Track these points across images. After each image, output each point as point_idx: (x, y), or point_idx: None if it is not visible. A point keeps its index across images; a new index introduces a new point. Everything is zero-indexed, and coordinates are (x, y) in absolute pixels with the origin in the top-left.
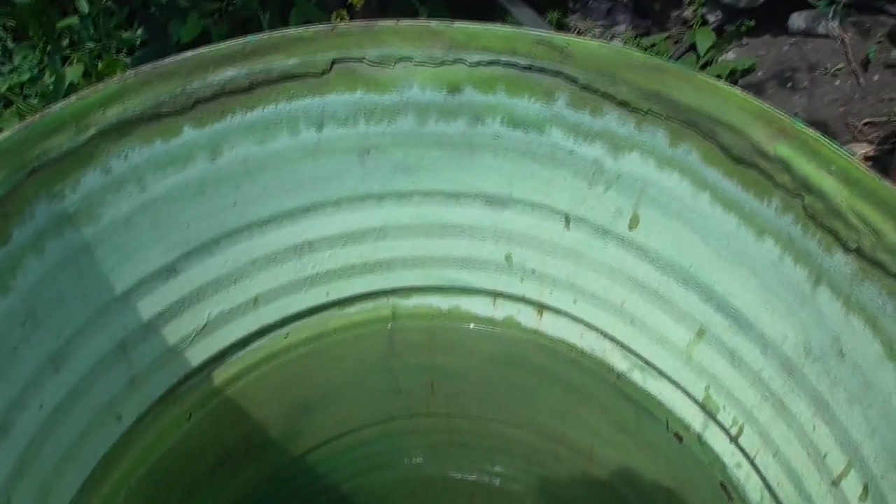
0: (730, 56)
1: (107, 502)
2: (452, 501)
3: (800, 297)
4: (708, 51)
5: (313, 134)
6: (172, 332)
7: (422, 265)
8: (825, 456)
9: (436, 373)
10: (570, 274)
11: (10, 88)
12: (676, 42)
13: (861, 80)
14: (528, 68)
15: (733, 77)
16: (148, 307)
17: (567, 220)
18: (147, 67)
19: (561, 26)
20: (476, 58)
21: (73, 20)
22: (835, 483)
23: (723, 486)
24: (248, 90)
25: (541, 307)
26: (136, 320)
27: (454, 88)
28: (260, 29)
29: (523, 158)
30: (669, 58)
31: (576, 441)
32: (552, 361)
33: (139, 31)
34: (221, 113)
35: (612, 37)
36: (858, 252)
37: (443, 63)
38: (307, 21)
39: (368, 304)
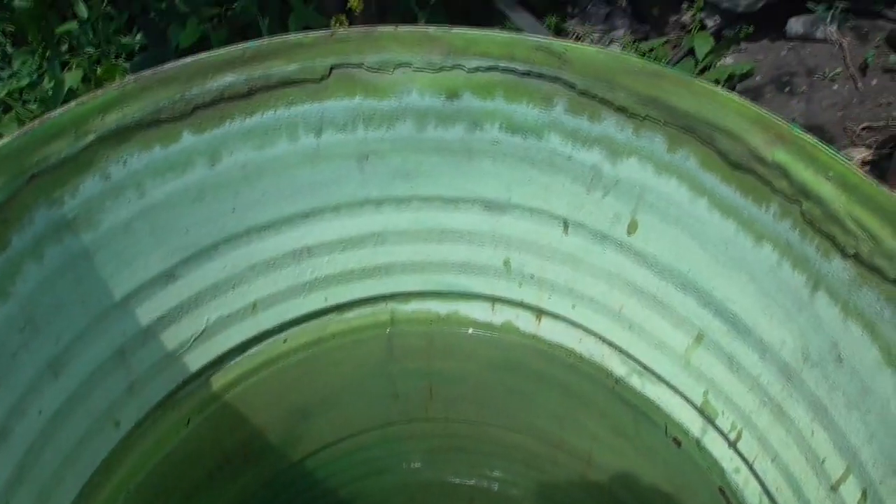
0: (728, 61)
1: None
2: None
3: (798, 302)
4: (706, 55)
5: (312, 140)
6: (171, 338)
7: (420, 270)
8: (824, 461)
9: (434, 378)
10: (569, 279)
11: (9, 93)
12: (675, 47)
13: (859, 84)
14: (527, 74)
15: (731, 82)
16: (147, 313)
17: (565, 225)
18: (146, 73)
19: (559, 31)
20: (474, 63)
21: (73, 25)
22: (833, 488)
23: (721, 491)
24: (247, 96)
25: (539, 312)
26: (134, 326)
27: (453, 94)
28: (259, 34)
29: (522, 164)
30: (668, 62)
31: (574, 446)
32: (551, 366)
33: (138, 37)
34: (220, 119)
35: (611, 41)
36: (856, 258)
37: (441, 69)
38: (306, 26)
39: (367, 310)
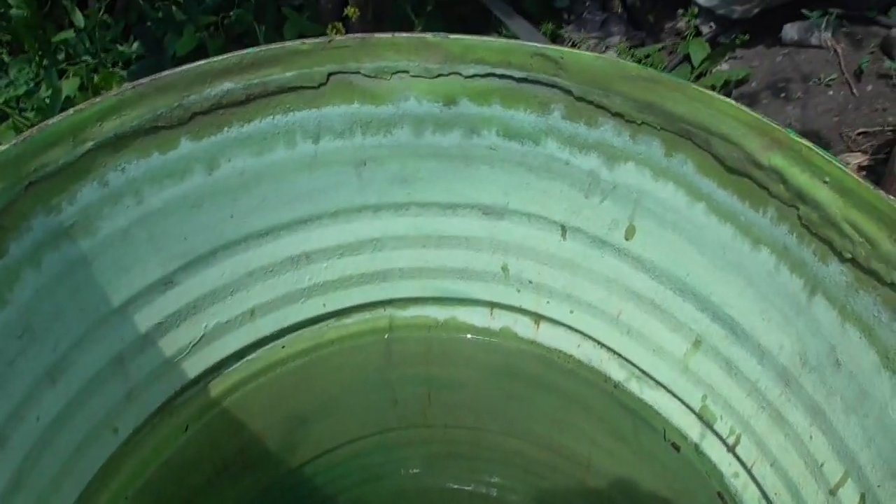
0: (724, 67)
1: None
2: None
3: (796, 306)
4: (702, 62)
5: (310, 146)
6: (169, 344)
7: (419, 276)
8: (822, 465)
9: (433, 383)
10: (567, 284)
11: (6, 102)
12: (671, 53)
13: (854, 90)
14: (524, 80)
15: (727, 88)
16: (145, 319)
17: (563, 230)
18: (144, 81)
19: (555, 38)
20: (472, 70)
21: (69, 34)
22: (832, 492)
23: (720, 495)
24: (245, 103)
25: (538, 317)
26: (133, 333)
27: (450, 100)
28: (256, 42)
29: (519, 169)
30: (664, 69)
31: (573, 451)
32: (549, 371)
33: (135, 45)
34: (218, 126)
35: (607, 48)
36: (853, 262)
37: (438, 75)
38: (301, 35)
39: (365, 315)
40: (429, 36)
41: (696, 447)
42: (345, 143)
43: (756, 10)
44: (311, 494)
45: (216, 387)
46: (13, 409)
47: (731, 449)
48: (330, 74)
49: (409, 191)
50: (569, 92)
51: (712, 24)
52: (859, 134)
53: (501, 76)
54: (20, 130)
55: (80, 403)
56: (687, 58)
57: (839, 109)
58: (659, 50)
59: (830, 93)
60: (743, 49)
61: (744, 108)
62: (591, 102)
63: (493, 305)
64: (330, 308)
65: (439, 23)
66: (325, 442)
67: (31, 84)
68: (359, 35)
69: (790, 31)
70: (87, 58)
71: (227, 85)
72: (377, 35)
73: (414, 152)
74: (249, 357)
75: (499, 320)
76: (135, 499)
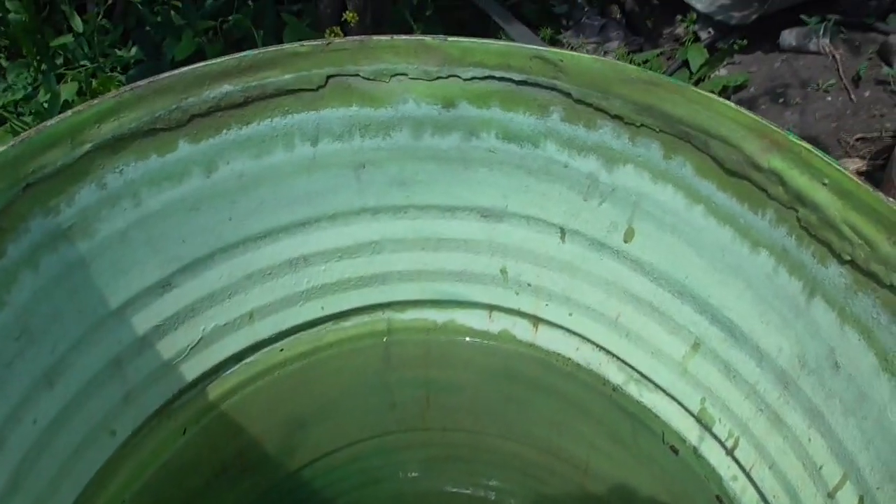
0: (722, 72)
1: None
2: None
3: (794, 309)
4: (700, 67)
5: (308, 149)
6: (167, 347)
7: (417, 279)
8: (821, 468)
9: (431, 386)
10: (566, 287)
11: (3, 106)
12: (669, 59)
13: (852, 96)
14: (523, 83)
15: (726, 93)
16: (143, 322)
17: (562, 233)
18: (142, 83)
19: (554, 43)
20: (470, 73)
21: (68, 39)
22: (830, 495)
23: (719, 499)
24: (243, 105)
25: (536, 320)
26: (130, 335)
27: (449, 103)
28: (254, 47)
29: (518, 172)
30: (662, 74)
31: (572, 454)
32: (548, 374)
33: (133, 50)
34: (217, 128)
35: (605, 53)
36: (852, 264)
37: (437, 78)
38: (300, 41)
39: (364, 318)
40: (428, 38)
41: (695, 450)
42: (343, 146)
43: (754, 16)
44: (309, 498)
45: (214, 390)
46: (10, 412)
47: (729, 452)
48: (328, 77)
49: (408, 193)
50: (568, 94)
51: (711, 29)
52: (857, 140)
53: (500, 79)
54: (18, 134)
55: (78, 406)
56: (685, 63)
57: (837, 115)
58: (657, 55)
59: (829, 98)
60: (741, 55)
61: (743, 110)
62: (590, 105)
63: (491, 308)
64: (328, 311)
65: (438, 28)
66: (323, 445)
67: (30, 88)
68: (357, 37)
69: (788, 36)
70: (86, 62)
71: (225, 87)
72: (376, 37)
73: (413, 155)
74: (247, 360)
75: (497, 323)
76: (132, 502)
